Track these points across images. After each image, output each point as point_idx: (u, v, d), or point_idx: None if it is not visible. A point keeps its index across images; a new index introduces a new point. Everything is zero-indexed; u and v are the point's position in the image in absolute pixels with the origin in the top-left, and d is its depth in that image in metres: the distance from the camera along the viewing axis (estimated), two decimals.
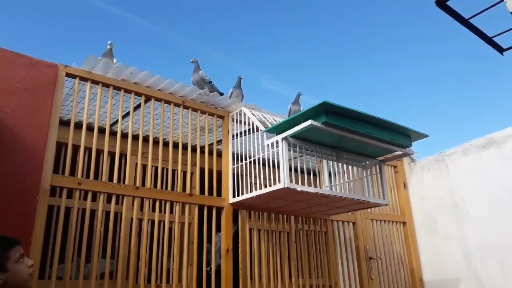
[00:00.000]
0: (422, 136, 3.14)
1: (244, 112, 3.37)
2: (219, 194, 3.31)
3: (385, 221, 4.41)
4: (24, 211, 2.32)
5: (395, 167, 4.72)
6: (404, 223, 4.55)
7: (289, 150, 2.92)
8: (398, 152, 3.29)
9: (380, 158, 3.47)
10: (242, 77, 3.61)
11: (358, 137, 2.86)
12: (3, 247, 1.73)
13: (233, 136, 3.49)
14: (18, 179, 2.34)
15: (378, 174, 3.43)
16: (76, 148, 2.77)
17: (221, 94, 3.41)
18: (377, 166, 3.44)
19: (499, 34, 1.74)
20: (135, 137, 3.03)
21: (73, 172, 2.65)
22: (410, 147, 3.25)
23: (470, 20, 1.66)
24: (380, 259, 4.20)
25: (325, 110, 2.64)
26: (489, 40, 1.76)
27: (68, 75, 2.72)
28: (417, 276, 4.37)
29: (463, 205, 4.11)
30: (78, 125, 2.80)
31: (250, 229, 3.46)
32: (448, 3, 1.57)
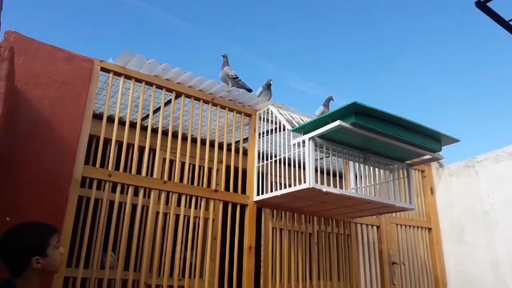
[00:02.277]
0: (453, 140, 3.07)
1: (271, 111, 3.38)
2: (243, 191, 3.33)
3: (410, 226, 4.33)
4: (56, 200, 2.39)
5: (422, 171, 4.63)
6: (429, 229, 4.46)
7: (315, 150, 2.91)
8: (427, 156, 3.23)
9: (408, 162, 3.41)
10: (271, 81, 3.58)
11: (387, 139, 2.83)
12: (46, 233, 1.81)
13: (259, 134, 3.50)
14: (52, 169, 2.41)
15: (406, 178, 3.38)
16: (107, 141, 2.85)
17: (249, 90, 3.42)
18: (405, 170, 3.39)
19: None
20: (165, 132, 3.09)
21: (103, 165, 2.73)
22: (440, 152, 3.18)
23: (510, 22, 1.61)
24: (404, 264, 4.14)
25: (355, 111, 2.62)
26: None
27: (102, 69, 2.80)
28: (441, 284, 4.27)
29: (493, 213, 3.99)
30: (110, 119, 2.87)
31: (273, 228, 3.46)
32: (488, 4, 1.53)
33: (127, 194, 2.76)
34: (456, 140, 3.08)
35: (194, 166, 3.19)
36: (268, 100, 3.49)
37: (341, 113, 2.65)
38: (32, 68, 2.48)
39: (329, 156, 2.98)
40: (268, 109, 3.43)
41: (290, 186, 2.98)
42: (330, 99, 3.86)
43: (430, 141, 3.01)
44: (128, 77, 2.90)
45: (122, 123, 2.88)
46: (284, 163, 3.14)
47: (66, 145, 2.50)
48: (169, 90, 3.08)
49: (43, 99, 2.47)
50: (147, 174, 2.90)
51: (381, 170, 3.37)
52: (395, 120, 2.76)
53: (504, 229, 3.89)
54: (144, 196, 2.86)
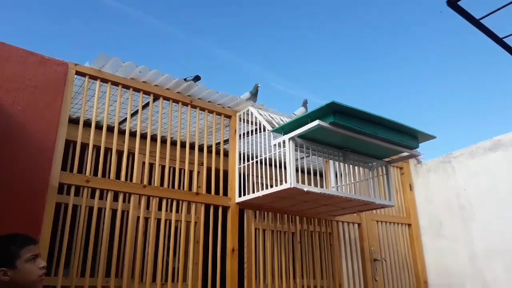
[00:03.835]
0: (429, 137, 3.13)
1: (251, 112, 3.38)
2: (225, 193, 3.32)
3: (390, 222, 4.40)
4: (33, 208, 2.33)
5: (401, 168, 4.71)
6: (409, 225, 4.55)
7: (296, 150, 2.92)
8: (405, 154, 3.28)
9: (387, 159, 3.47)
10: (259, 86, 3.55)
11: (366, 137, 2.86)
12: (16, 244, 1.74)
13: (240, 135, 3.50)
14: (27, 176, 2.35)
15: (385, 175, 3.43)
16: (84, 146, 2.79)
17: (197, 78, 3.26)
18: (384, 167, 3.44)
19: (510, 35, 1.74)
20: (143, 136, 3.05)
21: (81, 170, 2.67)
22: (417, 149, 3.25)
23: (481, 21, 1.65)
24: (385, 260, 4.20)
25: (333, 110, 2.64)
26: (499, 41, 1.75)
27: (78, 73, 2.74)
28: (422, 279, 4.36)
29: (470, 208, 4.10)
30: (87, 123, 2.82)
31: (256, 229, 3.46)
32: (459, 3, 1.56)
33: (106, 199, 2.72)
34: (432, 137, 3.14)
35: (174, 169, 3.16)
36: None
37: (320, 113, 2.67)
38: (3, 73, 2.41)
39: (309, 156, 3.00)
40: (248, 110, 3.43)
41: (271, 186, 2.99)
42: (306, 102, 3.85)
43: (408, 138, 3.06)
44: (104, 80, 2.85)
45: (99, 127, 2.83)
46: (265, 164, 3.15)
47: (41, 151, 2.44)
48: (146, 92, 3.04)
49: (15, 104, 2.40)
50: (126, 179, 2.86)
51: (361, 168, 3.41)
52: (373, 118, 2.80)
53: (480, 222, 3.99)
54: (124, 201, 2.81)
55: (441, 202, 4.39)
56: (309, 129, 2.70)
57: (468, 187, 4.14)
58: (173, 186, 3.07)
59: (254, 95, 3.49)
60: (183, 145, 3.16)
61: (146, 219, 2.96)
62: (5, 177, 2.27)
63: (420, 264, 4.42)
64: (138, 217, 2.87)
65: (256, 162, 3.21)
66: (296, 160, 3.70)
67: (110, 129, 2.88)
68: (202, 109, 3.34)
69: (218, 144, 3.55)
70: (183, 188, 3.10)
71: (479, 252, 3.96)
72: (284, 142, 2.89)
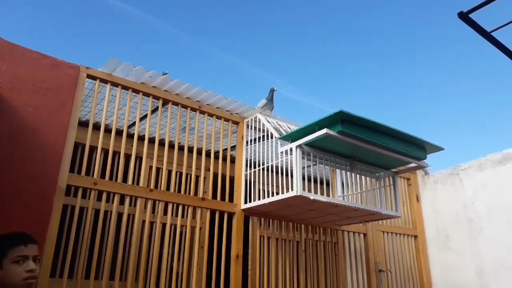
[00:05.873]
0: (437, 149, 3.12)
1: (259, 119, 3.39)
2: (231, 199, 3.32)
3: (396, 233, 4.36)
4: (40, 209, 2.35)
5: (408, 179, 4.68)
6: (415, 236, 4.50)
7: (302, 158, 2.92)
8: (413, 164, 3.27)
9: (394, 169, 3.45)
10: (275, 89, 3.53)
11: (373, 147, 2.85)
12: (4, 243, 1.68)
13: (247, 142, 3.50)
14: (36, 177, 2.37)
15: (392, 186, 3.41)
16: (92, 149, 2.82)
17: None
18: (391, 177, 3.42)
19: None
20: (151, 140, 3.07)
21: (88, 173, 2.69)
22: (425, 160, 3.23)
23: (492, 34, 1.66)
24: (390, 272, 4.15)
25: (341, 119, 2.64)
26: (510, 54, 1.75)
27: (89, 76, 2.77)
28: None
29: (478, 221, 4.05)
30: (96, 126, 2.84)
31: (261, 237, 3.45)
32: (470, 15, 1.57)
33: (112, 202, 2.73)
34: (440, 148, 3.13)
35: (181, 174, 3.17)
36: (271, 111, 3.48)
37: (328, 121, 2.68)
38: (17, 75, 2.45)
39: (316, 164, 3.00)
40: (255, 117, 3.44)
41: (277, 194, 2.98)
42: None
43: (415, 149, 3.05)
44: (114, 84, 2.88)
45: (108, 130, 2.85)
46: (272, 171, 3.15)
47: (51, 153, 2.46)
48: (156, 97, 3.07)
49: (27, 106, 2.43)
50: (133, 182, 2.87)
51: (368, 178, 3.40)
52: (380, 128, 2.79)
53: (488, 236, 3.94)
54: (130, 205, 2.82)
55: (449, 214, 4.34)
56: (317, 137, 2.70)
57: (476, 200, 4.10)
58: (179, 191, 3.08)
59: (270, 100, 3.48)
60: (190, 150, 3.17)
61: (152, 223, 2.97)
62: (14, 177, 2.30)
63: (426, 277, 4.36)
64: (144, 221, 2.88)
65: (263, 169, 3.21)
66: (303, 168, 3.69)
67: (118, 132, 2.90)
68: (211, 115, 3.36)
69: (225, 150, 3.56)
70: (189, 193, 3.11)
71: (486, 267, 3.91)
72: (291, 149, 2.89)
